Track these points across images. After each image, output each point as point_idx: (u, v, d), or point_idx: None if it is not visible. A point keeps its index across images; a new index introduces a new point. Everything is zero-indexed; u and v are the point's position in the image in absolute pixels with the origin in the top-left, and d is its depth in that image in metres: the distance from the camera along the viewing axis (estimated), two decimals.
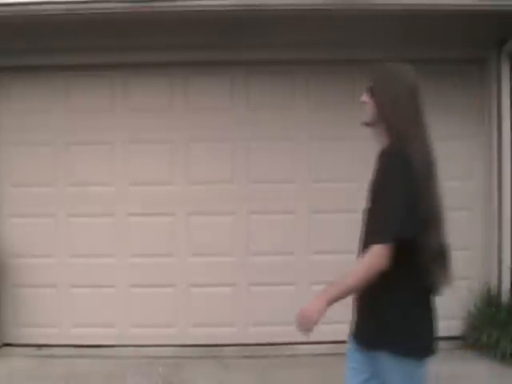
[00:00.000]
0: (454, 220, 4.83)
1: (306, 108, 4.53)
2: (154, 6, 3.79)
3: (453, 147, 4.55)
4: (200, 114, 4.49)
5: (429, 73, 4.52)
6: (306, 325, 1.95)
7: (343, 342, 4.40)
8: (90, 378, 3.88)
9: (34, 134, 4.44)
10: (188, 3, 3.77)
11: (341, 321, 4.45)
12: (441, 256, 1.99)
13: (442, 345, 4.72)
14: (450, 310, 4.49)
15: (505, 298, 4.32)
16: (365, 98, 2.07)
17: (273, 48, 4.27)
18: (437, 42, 4.31)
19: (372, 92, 2.04)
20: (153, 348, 4.34)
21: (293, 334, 4.52)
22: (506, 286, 4.36)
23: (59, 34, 4.12)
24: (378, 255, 1.87)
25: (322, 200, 4.51)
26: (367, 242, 1.99)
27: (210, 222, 4.50)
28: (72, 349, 4.36)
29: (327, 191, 4.49)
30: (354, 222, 4.53)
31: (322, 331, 4.75)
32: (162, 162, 4.46)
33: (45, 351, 4.35)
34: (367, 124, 2.09)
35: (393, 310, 1.95)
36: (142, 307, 4.46)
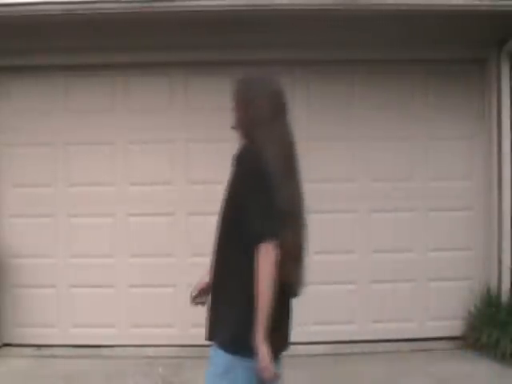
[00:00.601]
0: (455, 220, 4.87)
1: (306, 108, 4.53)
2: (154, 6, 3.79)
3: (453, 147, 4.56)
4: (200, 113, 4.49)
5: (429, 73, 4.56)
6: (271, 377, 1.95)
7: (343, 342, 4.43)
8: (89, 378, 3.88)
9: (33, 134, 4.44)
10: (188, 3, 3.77)
11: (340, 321, 4.48)
12: (296, 258, 2.00)
13: (442, 345, 4.76)
14: (450, 310, 4.50)
15: (505, 298, 4.32)
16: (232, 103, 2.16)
17: (273, 48, 4.27)
18: (437, 42, 4.32)
19: (234, 97, 2.15)
20: (153, 348, 4.34)
21: (293, 334, 4.50)
22: (505, 286, 4.36)
23: (59, 34, 4.12)
24: (269, 253, 1.88)
25: (321, 200, 4.51)
26: (224, 243, 2.07)
27: (210, 222, 4.47)
28: (72, 349, 4.36)
29: (327, 191, 4.49)
30: (353, 222, 4.56)
31: (322, 331, 4.76)
32: (162, 162, 4.46)
33: (44, 351, 4.35)
34: (233, 128, 2.18)
35: (236, 306, 1.96)
36: (142, 307, 4.46)
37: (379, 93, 4.48)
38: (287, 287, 1.99)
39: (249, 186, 1.94)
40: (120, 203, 4.46)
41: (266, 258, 1.88)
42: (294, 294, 2.06)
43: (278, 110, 2.06)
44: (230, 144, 4.53)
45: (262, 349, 1.88)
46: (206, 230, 4.46)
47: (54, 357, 4.26)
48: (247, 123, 2.07)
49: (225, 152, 4.53)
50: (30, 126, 4.45)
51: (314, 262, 4.97)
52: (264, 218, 1.90)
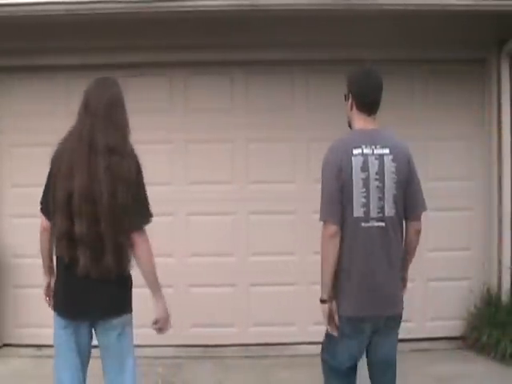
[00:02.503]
0: (455, 220, 4.87)
1: (306, 108, 4.54)
2: (154, 6, 3.79)
3: (453, 147, 4.56)
4: (200, 114, 4.49)
5: (429, 73, 4.56)
6: None
7: None
8: (89, 378, 3.86)
9: (34, 135, 4.43)
10: (188, 3, 3.77)
11: None
12: (69, 239, 2.32)
13: (441, 345, 4.75)
14: (450, 310, 4.50)
15: (505, 298, 4.32)
16: None
17: (272, 48, 4.27)
18: (437, 42, 4.32)
19: None
20: (153, 348, 4.32)
21: (293, 334, 4.53)
22: (505, 286, 4.37)
23: (60, 34, 4.12)
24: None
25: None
26: None
27: (210, 222, 4.50)
28: None
29: None
30: None
31: (322, 331, 4.74)
32: (162, 163, 4.46)
33: (45, 351, 4.34)
34: None
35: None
36: (142, 307, 4.43)
37: None
38: (72, 268, 2.35)
39: None
40: None
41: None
42: (81, 274, 2.35)
43: (81, 110, 2.53)
44: (230, 144, 4.58)
45: None
46: (206, 230, 4.50)
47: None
48: None
49: (225, 152, 4.56)
50: (30, 126, 4.45)
51: (314, 262, 4.98)
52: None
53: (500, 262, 4.40)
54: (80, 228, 2.30)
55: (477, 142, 4.56)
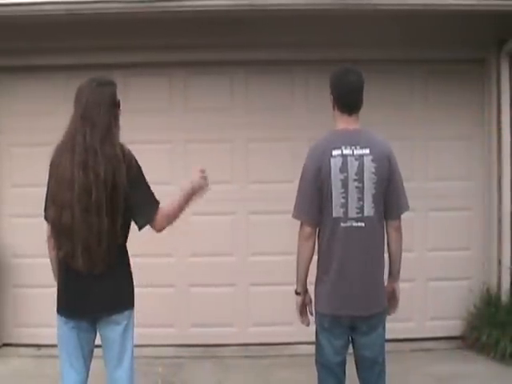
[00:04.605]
0: (455, 220, 4.87)
1: (305, 108, 4.54)
2: (154, 6, 3.79)
3: (452, 147, 4.56)
4: (199, 113, 4.49)
5: (428, 73, 4.56)
6: None
7: None
8: (89, 378, 3.87)
9: (34, 135, 4.43)
10: (188, 3, 3.77)
11: None
12: (67, 234, 2.43)
13: (441, 345, 4.75)
14: (450, 309, 4.50)
15: (504, 298, 4.32)
16: None
17: (272, 48, 4.27)
18: (436, 42, 4.32)
19: None
20: (153, 348, 4.33)
21: (293, 333, 4.52)
22: (505, 286, 4.37)
23: (60, 33, 4.12)
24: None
25: None
26: None
27: (210, 221, 4.50)
28: None
29: None
30: None
31: None
32: (162, 162, 4.46)
33: (45, 351, 4.35)
34: None
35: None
36: (142, 307, 4.42)
37: (379, 93, 4.47)
38: (70, 265, 2.44)
39: None
40: None
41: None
42: (78, 270, 2.40)
43: (75, 106, 2.45)
44: (230, 144, 4.57)
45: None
46: (206, 229, 4.50)
47: (54, 357, 4.23)
48: None
49: (225, 152, 4.56)
50: (30, 126, 4.45)
51: (313, 261, 4.97)
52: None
53: (499, 262, 4.40)
54: (66, 225, 2.45)
55: (476, 142, 4.56)
